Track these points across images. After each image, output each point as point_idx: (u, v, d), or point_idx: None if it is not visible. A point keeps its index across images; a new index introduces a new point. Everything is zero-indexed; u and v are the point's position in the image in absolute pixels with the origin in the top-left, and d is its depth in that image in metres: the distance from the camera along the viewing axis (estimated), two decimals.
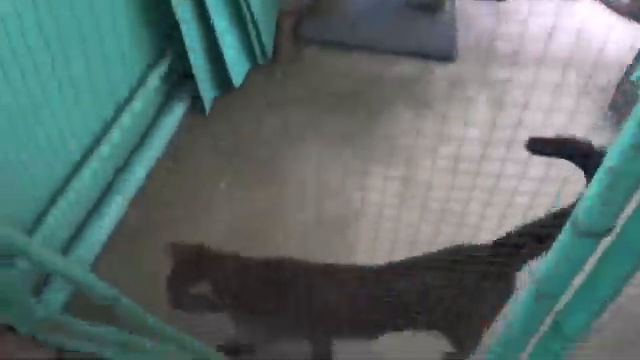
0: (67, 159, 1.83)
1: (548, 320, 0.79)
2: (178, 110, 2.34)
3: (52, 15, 1.56)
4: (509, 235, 1.17)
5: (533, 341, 0.85)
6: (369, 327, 1.33)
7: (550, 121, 1.07)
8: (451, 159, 1.09)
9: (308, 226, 1.83)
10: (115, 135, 1.99)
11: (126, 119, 2.05)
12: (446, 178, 1.14)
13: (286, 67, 2.66)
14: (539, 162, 1.05)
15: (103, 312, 1.49)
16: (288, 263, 1.30)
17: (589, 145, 1.02)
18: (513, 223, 1.12)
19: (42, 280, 1.75)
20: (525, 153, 1.05)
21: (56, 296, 1.75)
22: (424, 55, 2.70)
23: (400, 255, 1.22)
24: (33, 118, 1.59)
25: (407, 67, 2.66)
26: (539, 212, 1.07)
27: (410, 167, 2.10)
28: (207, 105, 2.37)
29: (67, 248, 1.85)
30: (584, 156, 1.01)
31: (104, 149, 1.93)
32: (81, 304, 1.76)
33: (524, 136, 1.04)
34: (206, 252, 1.33)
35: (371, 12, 2.94)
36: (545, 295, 0.72)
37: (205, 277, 1.30)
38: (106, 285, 1.38)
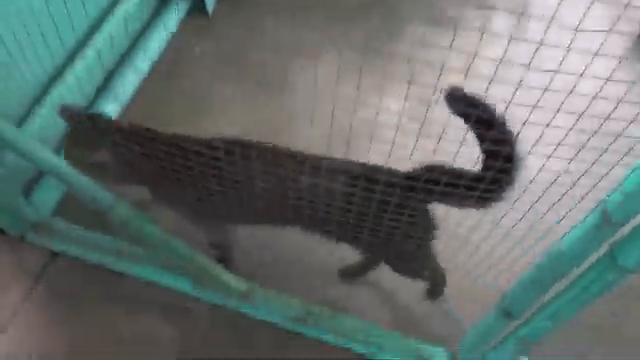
0: (59, 52, 1.67)
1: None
2: (179, 9, 2.14)
3: None
4: (421, 169, 1.10)
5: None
6: (271, 212, 1.24)
7: (575, 44, 0.93)
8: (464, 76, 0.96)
9: (314, 139, 1.74)
10: (109, 29, 1.81)
11: (121, 11, 1.86)
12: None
13: None
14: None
15: (95, 217, 1.41)
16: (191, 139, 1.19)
17: (501, 123, 0.94)
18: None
19: (33, 180, 1.65)
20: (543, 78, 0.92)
21: (47, 197, 1.65)
22: None
23: None
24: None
25: None
26: None
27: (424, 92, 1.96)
28: (210, 5, 2.17)
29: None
30: (486, 127, 0.93)
31: (98, 43, 1.76)
32: (73, 207, 1.68)
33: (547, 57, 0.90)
34: (102, 122, 1.23)
35: None
36: (610, 223, 0.64)
37: (101, 146, 1.20)
38: (101, 189, 1.28)
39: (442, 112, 1.01)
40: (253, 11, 2.24)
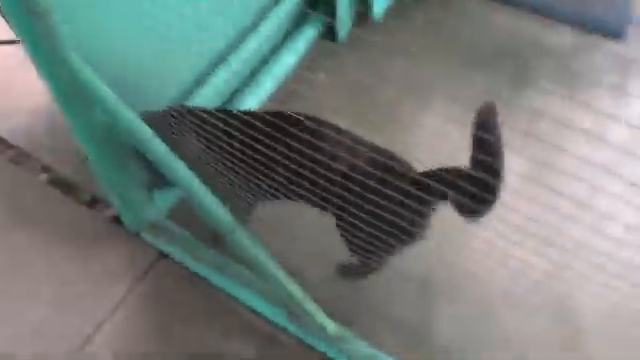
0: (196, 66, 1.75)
1: None
2: (310, 33, 2.17)
3: None
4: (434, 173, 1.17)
5: None
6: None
7: None
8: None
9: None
10: (251, 44, 1.88)
11: (263, 29, 1.93)
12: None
13: (429, 6, 2.39)
14: None
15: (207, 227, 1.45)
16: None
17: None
18: None
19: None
20: None
21: (165, 198, 1.73)
22: (587, 25, 2.33)
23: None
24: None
25: (565, 36, 2.32)
26: None
27: (544, 153, 1.86)
28: (341, 33, 2.19)
29: None
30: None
31: (234, 62, 1.83)
32: (187, 212, 1.74)
33: None
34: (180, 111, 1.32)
35: None
36: None
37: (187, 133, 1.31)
38: (224, 211, 1.32)
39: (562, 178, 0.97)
40: (382, 45, 2.23)
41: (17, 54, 1.70)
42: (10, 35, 1.39)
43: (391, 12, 2.34)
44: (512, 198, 1.05)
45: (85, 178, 1.77)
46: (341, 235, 1.36)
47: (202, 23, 1.63)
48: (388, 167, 1.20)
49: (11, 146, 1.87)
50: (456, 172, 1.13)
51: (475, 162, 1.07)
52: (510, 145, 1.89)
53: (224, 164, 1.32)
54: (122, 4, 1.32)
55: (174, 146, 1.27)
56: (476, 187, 1.04)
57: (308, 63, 2.16)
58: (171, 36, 1.51)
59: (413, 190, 1.14)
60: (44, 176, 1.81)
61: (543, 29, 2.33)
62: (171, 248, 1.65)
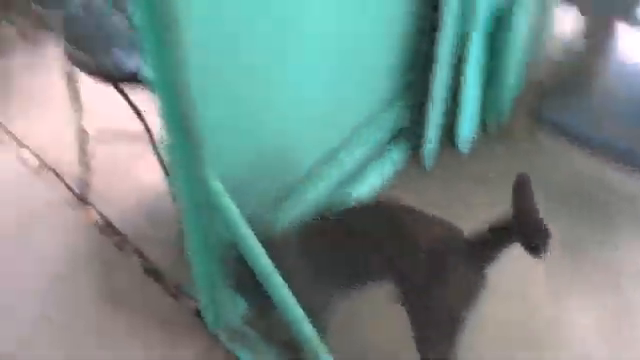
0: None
1: None
2: (396, 156, 2.29)
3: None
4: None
5: None
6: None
7: None
8: None
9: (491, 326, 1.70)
10: (337, 165, 1.99)
11: (351, 152, 2.05)
12: None
13: (512, 144, 2.47)
14: None
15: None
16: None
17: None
18: None
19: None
20: None
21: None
22: None
23: None
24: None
25: None
26: None
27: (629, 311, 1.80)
28: (428, 161, 2.29)
29: None
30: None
31: (326, 176, 1.94)
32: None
33: None
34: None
35: (620, 107, 2.62)
36: None
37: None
38: (315, 331, 1.35)
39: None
40: (462, 174, 2.32)
41: (137, 145, 1.91)
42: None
43: (474, 143, 2.43)
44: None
45: (175, 269, 1.90)
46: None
47: (301, 138, 1.76)
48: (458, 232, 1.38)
49: (118, 233, 2.03)
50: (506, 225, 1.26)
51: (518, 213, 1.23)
52: (580, 297, 1.84)
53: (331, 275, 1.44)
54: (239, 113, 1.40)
55: (280, 266, 1.34)
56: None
57: (387, 184, 2.24)
58: (266, 152, 1.62)
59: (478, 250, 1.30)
60: (140, 262, 1.94)
61: (625, 175, 2.34)
62: (244, 354, 1.68)
